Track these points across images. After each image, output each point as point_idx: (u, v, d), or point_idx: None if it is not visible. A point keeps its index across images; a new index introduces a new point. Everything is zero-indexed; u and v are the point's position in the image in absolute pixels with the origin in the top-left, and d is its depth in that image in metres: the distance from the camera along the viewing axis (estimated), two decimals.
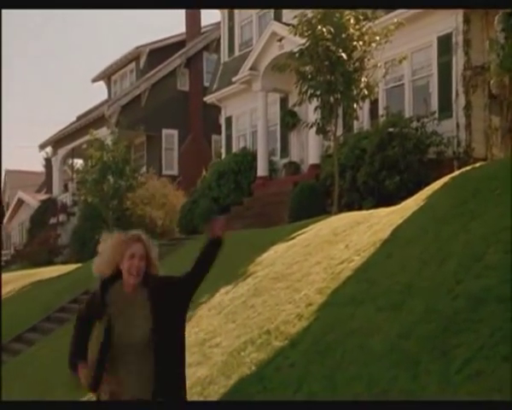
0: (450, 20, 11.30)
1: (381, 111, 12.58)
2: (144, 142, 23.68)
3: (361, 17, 10.65)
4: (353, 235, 7.38)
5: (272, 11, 16.38)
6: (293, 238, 8.78)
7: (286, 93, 16.23)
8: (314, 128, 11.25)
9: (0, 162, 17.10)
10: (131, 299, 3.14)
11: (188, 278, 3.30)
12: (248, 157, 16.46)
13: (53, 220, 25.20)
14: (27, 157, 76.53)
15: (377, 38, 10.71)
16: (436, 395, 3.60)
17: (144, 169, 21.23)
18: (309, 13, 10.74)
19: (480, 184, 6.36)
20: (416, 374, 3.87)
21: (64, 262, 20.61)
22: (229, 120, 18.77)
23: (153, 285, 3.18)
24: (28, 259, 23.31)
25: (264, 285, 7.13)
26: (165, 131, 23.08)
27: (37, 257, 22.17)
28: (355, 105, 10.80)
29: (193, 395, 5.23)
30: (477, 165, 7.80)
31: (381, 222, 7.29)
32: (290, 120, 16.05)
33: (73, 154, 26.51)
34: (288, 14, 13.95)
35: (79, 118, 27.47)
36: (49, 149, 29.82)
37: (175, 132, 23.29)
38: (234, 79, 17.01)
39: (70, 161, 28.03)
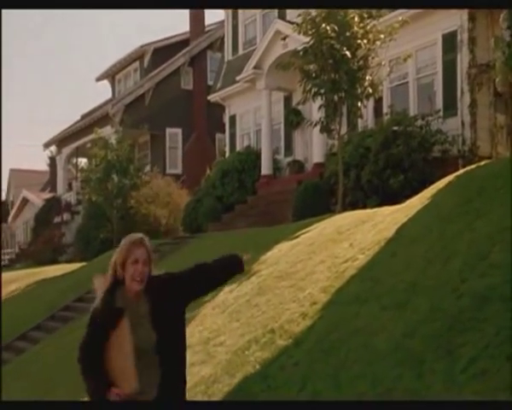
0: (454, 18, 11.25)
1: (385, 109, 12.55)
2: (148, 141, 23.70)
3: (365, 15, 10.62)
4: (357, 233, 7.36)
5: (276, 9, 16.36)
6: (297, 237, 8.77)
7: (290, 92, 16.21)
8: (318, 127, 11.23)
9: (0, 161, 17.04)
10: (136, 305, 3.05)
11: (194, 282, 3.20)
12: (252, 156, 16.45)
13: (57, 219, 25.25)
14: (28, 156, 76.96)
15: (381, 36, 10.68)
16: (441, 395, 3.58)
17: (148, 168, 21.27)
18: (313, 11, 10.71)
19: (484, 183, 6.33)
20: (420, 373, 3.86)
21: (68, 261, 20.66)
22: (233, 119, 18.76)
23: (153, 286, 3.08)
24: (33, 257, 23.38)
25: (269, 284, 7.12)
26: (169, 130, 23.10)
27: (42, 256, 22.23)
28: (359, 103, 10.78)
29: (197, 393, 5.23)
30: (482, 163, 7.77)
31: (385, 221, 7.27)
32: (294, 119, 16.04)
33: (78, 153, 26.57)
34: (292, 13, 13.93)
35: (83, 117, 27.51)
36: (53, 148, 29.89)
37: (179, 131, 23.30)
38: (238, 78, 17.00)
39: (74, 160, 28.10)
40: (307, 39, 10.69)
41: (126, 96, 22.77)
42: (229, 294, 7.61)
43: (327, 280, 6.22)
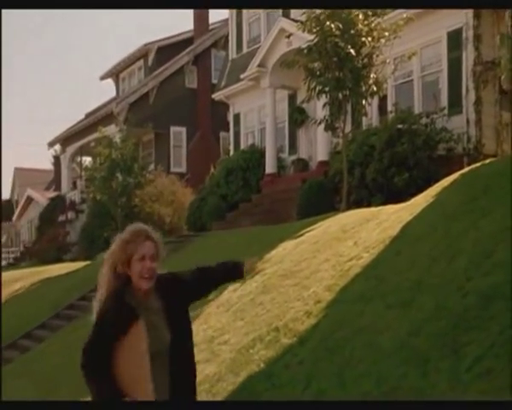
0: (460, 15, 11.19)
1: (389, 107, 12.51)
2: (152, 139, 23.72)
3: (370, 13, 10.58)
4: (362, 232, 7.34)
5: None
6: (301, 235, 8.76)
7: (294, 90, 16.18)
8: (322, 125, 11.21)
9: (0, 160, 17.07)
10: (146, 306, 2.80)
11: (196, 284, 3.06)
12: (256, 154, 16.44)
13: (62, 218, 25.32)
14: (28, 155, 77.19)
15: (386, 33, 10.64)
16: (446, 393, 3.56)
17: (152, 166, 21.30)
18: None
19: (490, 181, 6.31)
20: (425, 372, 3.84)
21: (73, 260, 20.70)
22: (237, 117, 18.76)
23: (162, 284, 2.88)
24: (37, 256, 23.44)
25: (273, 282, 7.11)
26: (173, 129, 23.11)
27: (46, 254, 22.28)
28: (364, 101, 10.75)
29: (201, 392, 5.22)
30: (487, 161, 7.74)
31: (390, 219, 7.25)
32: (298, 117, 16.02)
33: (82, 151, 26.63)
34: (297, 11, 13.91)
35: (88, 115, 27.57)
36: (57, 147, 29.96)
37: (183, 130, 23.31)
38: (242, 76, 16.99)
39: (78, 159, 28.16)
40: (312, 37, 10.67)
41: (130, 94, 22.80)
42: (233, 292, 7.61)
43: (331, 279, 6.20)
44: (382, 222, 7.30)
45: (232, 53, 19.09)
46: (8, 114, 70.31)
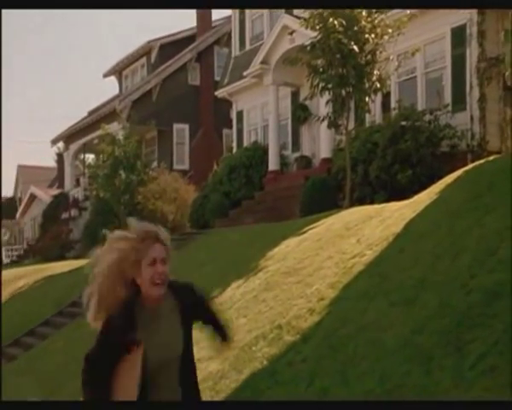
0: (463, 12, 11.14)
1: (393, 104, 12.48)
2: (155, 136, 23.72)
3: (373, 9, 10.55)
4: (365, 229, 7.32)
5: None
6: (304, 233, 8.74)
7: (297, 87, 16.15)
8: (325, 122, 11.19)
9: (0, 158, 17.11)
10: (157, 314, 2.62)
11: (202, 309, 2.88)
12: (259, 151, 16.42)
13: (65, 215, 25.34)
14: (31, 152, 77.45)
15: (389, 30, 10.61)
16: (449, 391, 3.55)
17: (155, 164, 21.29)
18: None
19: (494, 178, 6.28)
20: (429, 369, 3.83)
21: (76, 257, 20.71)
22: (240, 115, 18.74)
23: (177, 291, 2.69)
24: (40, 253, 23.48)
25: (276, 280, 7.10)
26: (176, 126, 23.10)
27: (50, 252, 22.32)
28: (367, 98, 10.72)
29: (204, 389, 5.22)
30: (491, 158, 7.70)
31: (393, 216, 7.23)
32: (301, 114, 15.99)
33: (85, 149, 26.64)
34: None
35: (91, 113, 27.58)
36: (60, 145, 30.00)
37: (186, 127, 23.30)
38: (245, 73, 16.96)
39: (82, 156, 28.20)
40: (315, 34, 10.64)
41: (133, 92, 22.80)
42: (236, 290, 7.60)
43: (334, 276, 6.19)
44: (385, 219, 7.28)
45: (235, 50, 19.06)
46: (9, 113, 70.52)
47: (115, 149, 18.20)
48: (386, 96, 12.60)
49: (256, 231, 11.31)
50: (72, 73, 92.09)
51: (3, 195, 38.84)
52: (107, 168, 18.10)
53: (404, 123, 10.92)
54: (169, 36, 25.07)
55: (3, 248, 31.33)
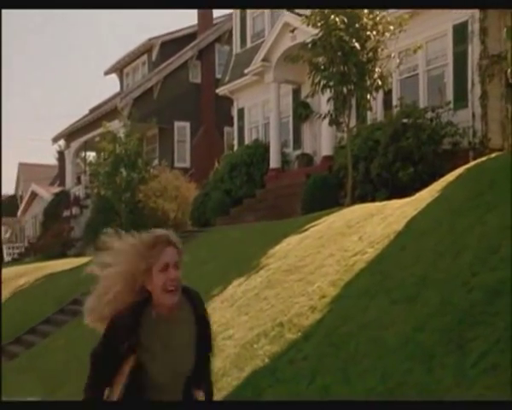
0: None
1: (394, 102, 12.45)
2: (156, 134, 23.71)
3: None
4: (367, 227, 7.31)
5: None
6: (306, 230, 8.73)
7: (298, 84, 16.13)
8: (327, 119, 11.17)
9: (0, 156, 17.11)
10: (170, 325, 2.43)
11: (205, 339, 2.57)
12: (261, 149, 16.41)
13: (66, 213, 25.36)
14: (32, 150, 77.51)
15: (391, 27, 10.57)
16: (451, 389, 3.54)
17: (156, 162, 21.28)
18: None
19: (495, 176, 6.26)
20: (430, 367, 3.82)
21: (77, 255, 20.73)
22: (241, 112, 18.71)
23: (191, 298, 2.49)
24: (42, 251, 23.50)
25: (277, 278, 7.09)
26: (177, 124, 23.09)
27: (51, 250, 22.34)
28: (368, 96, 10.69)
29: None
30: (493, 156, 7.69)
31: (394, 214, 7.21)
32: (303, 112, 15.97)
33: (86, 146, 26.62)
34: None
35: (92, 111, 27.57)
36: (61, 142, 29.99)
37: (187, 125, 23.28)
38: (246, 71, 16.94)
39: (83, 154, 28.17)
40: (316, 31, 10.62)
41: (134, 89, 22.77)
42: (237, 287, 7.60)
43: (336, 274, 6.18)
44: (387, 217, 7.27)
45: (236, 47, 19.03)
46: (10, 111, 70.58)
47: (116, 147, 18.18)
48: (388, 94, 12.58)
49: (257, 229, 11.30)
50: (73, 71, 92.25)
51: (4, 193, 38.92)
52: (109, 166, 18.09)
53: (405, 121, 10.90)
54: (170, 33, 25.04)
55: (4, 246, 31.35)
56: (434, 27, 11.76)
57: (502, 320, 3.77)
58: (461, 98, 11.27)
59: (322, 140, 14.54)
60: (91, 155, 26.72)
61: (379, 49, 10.66)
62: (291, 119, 16.69)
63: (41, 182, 33.84)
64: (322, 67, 10.69)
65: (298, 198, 12.55)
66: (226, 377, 5.33)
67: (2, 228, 30.19)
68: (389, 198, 9.56)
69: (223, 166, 16.86)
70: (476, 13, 11.00)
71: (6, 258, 28.98)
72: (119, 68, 27.39)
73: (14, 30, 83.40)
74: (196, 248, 11.84)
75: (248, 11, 18.31)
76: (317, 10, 10.55)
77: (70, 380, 7.86)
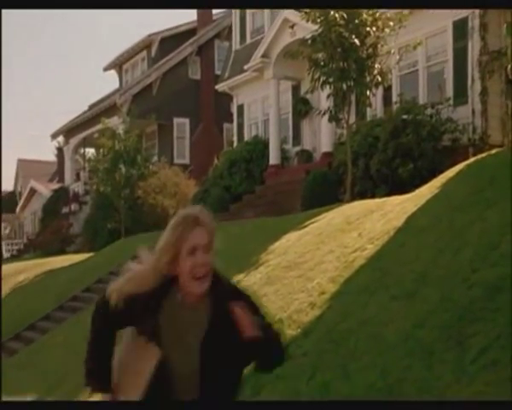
0: None
1: (394, 98, 12.44)
2: (156, 131, 23.69)
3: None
4: (366, 223, 7.30)
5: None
6: (305, 227, 8.72)
7: (298, 81, 16.11)
8: (326, 116, 11.15)
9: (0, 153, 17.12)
10: (193, 315, 2.17)
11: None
12: (260, 145, 16.39)
13: (65, 210, 25.35)
14: (31, 146, 77.50)
15: (391, 23, 10.54)
16: (451, 385, 3.54)
17: (156, 158, 21.27)
18: None
19: (495, 172, 6.25)
20: (430, 364, 3.81)
21: (76, 251, 20.74)
22: (240, 109, 18.69)
23: (217, 290, 2.19)
24: (41, 248, 23.49)
25: (277, 274, 7.08)
26: (176, 120, 23.06)
27: (50, 246, 22.33)
28: (368, 92, 10.67)
29: None
30: (493, 152, 7.67)
31: (394, 210, 7.20)
32: (302, 108, 15.95)
33: (85, 143, 26.61)
34: None
35: (91, 107, 27.53)
36: (60, 139, 29.96)
37: (186, 121, 23.26)
38: (245, 67, 16.91)
39: (82, 151, 28.17)
40: (315, 27, 10.59)
41: (134, 85, 22.75)
42: (237, 284, 7.58)
43: (335, 270, 6.17)
44: (387, 213, 7.26)
45: (235, 44, 19.00)
46: (9, 108, 70.59)
47: (115, 144, 18.16)
48: (388, 90, 12.56)
49: (257, 226, 11.29)
50: (72, 67, 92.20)
51: (3, 189, 38.87)
52: (108, 162, 18.07)
53: (405, 117, 10.89)
54: (169, 29, 24.99)
55: (3, 243, 31.33)
56: (434, 23, 11.73)
57: (502, 317, 3.76)
58: (461, 94, 11.25)
59: (321, 136, 14.53)
60: (90, 152, 26.73)
61: (379, 46, 10.64)
62: (290, 115, 16.67)
63: (40, 178, 33.82)
64: (322, 64, 10.66)
65: (297, 194, 12.54)
66: None
67: (2, 224, 30.16)
68: (389, 194, 9.55)
69: (222, 163, 16.84)
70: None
71: (5, 254, 28.97)
72: (119, 64, 27.34)
73: (14, 28, 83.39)
74: None
75: None
76: None
77: (69, 377, 7.85)
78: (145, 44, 25.26)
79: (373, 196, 10.31)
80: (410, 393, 3.71)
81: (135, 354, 2.20)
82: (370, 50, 10.56)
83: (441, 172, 8.06)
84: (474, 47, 11.07)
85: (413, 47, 11.04)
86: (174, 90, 22.69)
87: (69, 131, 27.27)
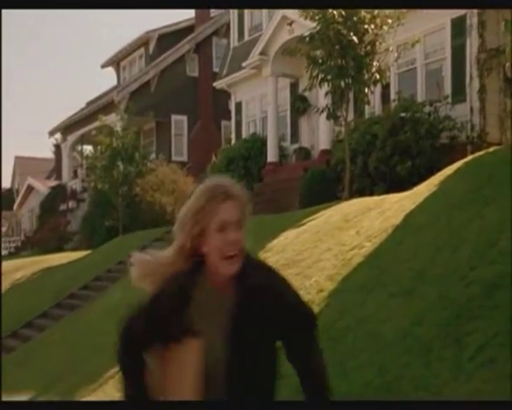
0: None
1: (392, 96, 12.43)
2: (154, 128, 23.64)
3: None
4: (364, 221, 7.29)
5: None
6: (303, 224, 8.72)
7: (296, 78, 16.08)
8: (325, 113, 11.13)
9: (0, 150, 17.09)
10: (223, 298, 1.95)
11: (295, 326, 2.13)
12: (258, 143, 16.37)
13: (63, 207, 25.30)
14: (28, 143, 77.56)
15: (389, 20, 10.52)
16: (449, 383, 3.54)
17: (154, 155, 21.22)
18: None
19: (493, 170, 6.25)
20: (428, 361, 3.81)
21: (74, 249, 20.70)
22: (238, 106, 18.66)
23: (246, 273, 1.95)
24: (38, 245, 23.44)
25: None
26: (174, 117, 23.02)
27: (47, 244, 22.28)
28: (366, 90, 10.65)
29: None
30: (491, 150, 7.67)
31: (392, 208, 7.20)
32: (300, 105, 15.93)
33: (83, 140, 26.53)
34: None
35: (88, 104, 27.46)
36: (58, 136, 29.89)
37: (184, 118, 23.22)
38: (244, 64, 16.88)
39: (79, 148, 28.06)
40: (314, 25, 10.57)
41: (131, 83, 22.68)
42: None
43: (333, 268, 6.17)
44: (385, 211, 7.25)
45: (234, 41, 18.96)
46: (6, 105, 70.48)
47: (113, 141, 18.11)
48: (386, 88, 12.55)
49: (255, 223, 11.23)
50: (71, 64, 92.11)
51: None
52: (105, 160, 18.03)
53: (403, 114, 10.88)
54: (167, 26, 24.93)
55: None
56: (432, 21, 11.71)
57: (500, 314, 3.76)
58: (459, 92, 11.24)
59: (319, 134, 14.51)
60: (88, 149, 26.61)
61: (377, 43, 10.62)
62: (289, 112, 16.65)
63: (37, 175, 33.75)
64: (320, 61, 10.64)
65: (295, 192, 12.53)
66: None
67: None
68: (387, 192, 9.55)
69: (220, 160, 16.81)
70: None
71: (2, 252, 28.89)
72: (116, 62, 27.27)
73: (14, 27, 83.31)
74: None
75: None
76: None
77: (66, 374, 7.84)
78: (143, 41, 25.19)
79: (371, 194, 10.31)
80: (408, 390, 3.71)
81: (175, 353, 1.96)
82: (368, 48, 10.54)
83: (439, 169, 8.06)
84: (472, 45, 11.06)
85: (411, 45, 11.03)
86: (172, 87, 22.65)
87: (67, 128, 27.20)
